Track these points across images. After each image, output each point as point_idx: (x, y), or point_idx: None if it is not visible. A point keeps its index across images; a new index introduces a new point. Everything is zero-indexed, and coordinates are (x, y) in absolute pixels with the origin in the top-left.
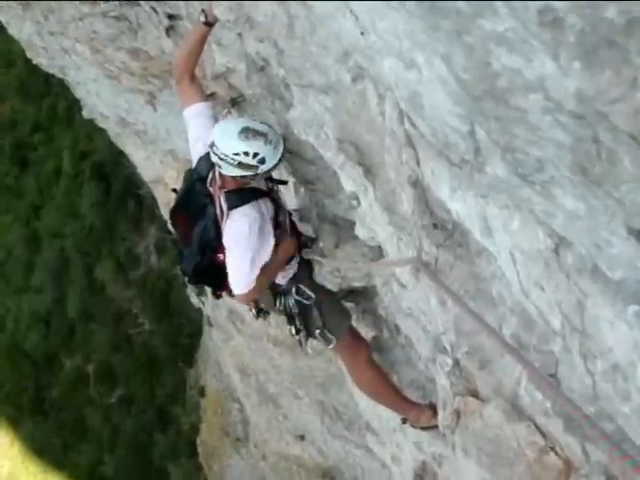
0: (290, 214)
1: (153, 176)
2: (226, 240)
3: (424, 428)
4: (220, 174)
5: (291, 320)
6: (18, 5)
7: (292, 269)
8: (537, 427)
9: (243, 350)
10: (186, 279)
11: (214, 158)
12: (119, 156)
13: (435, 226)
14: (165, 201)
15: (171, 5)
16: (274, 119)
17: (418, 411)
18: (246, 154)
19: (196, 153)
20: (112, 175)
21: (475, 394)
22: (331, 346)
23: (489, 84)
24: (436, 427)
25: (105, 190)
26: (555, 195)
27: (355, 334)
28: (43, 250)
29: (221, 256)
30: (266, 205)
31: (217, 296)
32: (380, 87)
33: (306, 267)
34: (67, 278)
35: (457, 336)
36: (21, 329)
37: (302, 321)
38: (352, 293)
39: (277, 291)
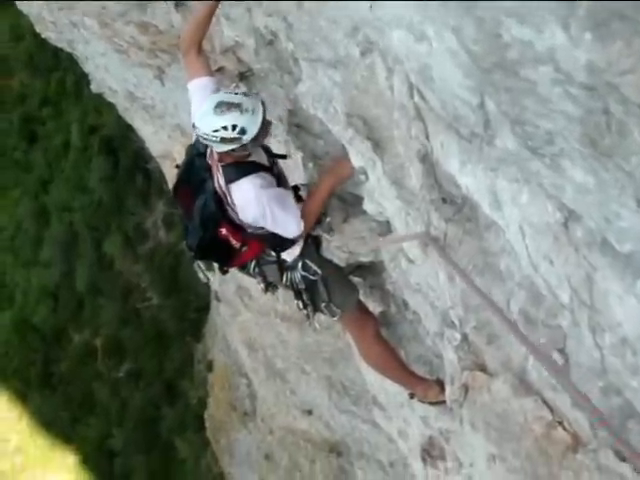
0: (298, 189)
1: (161, 151)
2: (250, 214)
3: (432, 403)
4: None
5: (298, 295)
6: None
7: (298, 246)
8: (545, 402)
9: (251, 325)
10: (192, 255)
11: (200, 139)
12: (127, 130)
13: (444, 200)
14: (173, 176)
15: None
16: (283, 93)
17: (425, 386)
18: (225, 128)
19: None
20: (120, 149)
21: (483, 369)
22: (336, 318)
23: (499, 56)
24: (443, 402)
25: (113, 164)
26: (564, 168)
27: (363, 308)
28: (52, 224)
29: (223, 230)
30: (266, 179)
31: (224, 272)
32: (389, 61)
33: (313, 243)
34: (76, 252)
35: (465, 311)
36: (30, 303)
37: (309, 296)
38: (360, 268)
39: (283, 267)
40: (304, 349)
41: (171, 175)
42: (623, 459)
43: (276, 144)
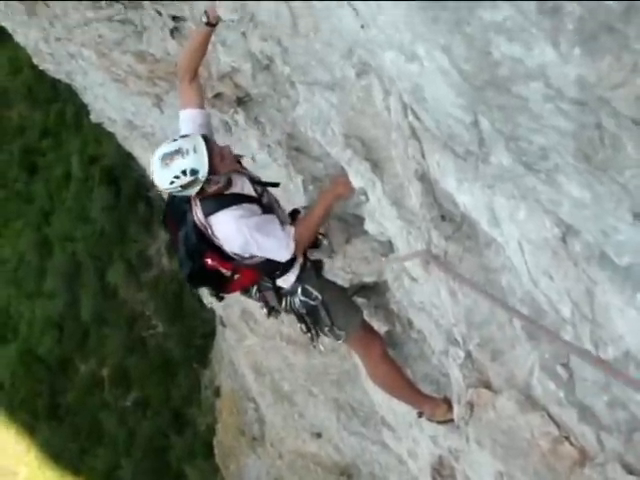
0: (297, 212)
1: None
2: (235, 245)
3: (440, 422)
4: None
5: (300, 319)
6: (24, 12)
7: (294, 272)
8: (551, 417)
9: (257, 349)
10: (188, 284)
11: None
12: (128, 159)
13: (443, 218)
14: None
15: (175, 7)
16: (281, 117)
17: (433, 405)
18: (177, 177)
19: None
20: (121, 178)
21: (488, 385)
22: (340, 341)
23: (490, 73)
24: (452, 421)
25: (115, 193)
26: (560, 183)
27: (368, 328)
28: (54, 255)
29: (209, 260)
30: (246, 209)
31: (220, 298)
32: (385, 82)
33: (312, 266)
34: (79, 282)
35: (468, 328)
36: (35, 334)
37: (311, 320)
38: (364, 288)
39: (281, 293)
40: (311, 371)
41: None
42: (631, 472)
43: (276, 168)
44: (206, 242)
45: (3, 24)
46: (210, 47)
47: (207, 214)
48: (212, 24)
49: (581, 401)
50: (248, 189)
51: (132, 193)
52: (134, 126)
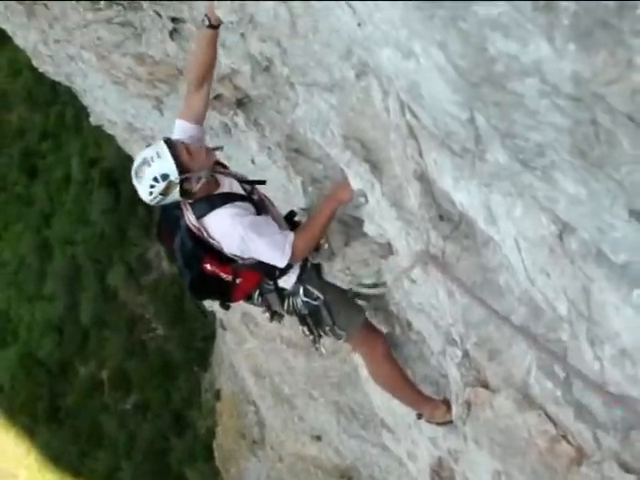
0: (294, 214)
1: None
2: (233, 244)
3: (439, 424)
4: None
5: (302, 320)
6: (23, 14)
7: (294, 273)
8: (548, 416)
9: (257, 352)
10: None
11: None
12: (128, 162)
13: (441, 218)
14: None
15: (174, 8)
16: (280, 119)
17: (432, 406)
18: (152, 186)
19: None
20: (121, 181)
21: (485, 385)
22: (341, 340)
23: (486, 70)
24: (451, 422)
25: (115, 196)
26: (556, 180)
27: (371, 328)
28: (54, 258)
29: (208, 266)
30: (241, 207)
31: (225, 307)
32: (384, 82)
33: (313, 267)
34: (79, 285)
35: (466, 327)
36: (35, 337)
37: (313, 321)
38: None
39: (283, 294)
40: (311, 374)
41: None
42: (627, 470)
43: (276, 169)
44: (202, 246)
45: (2, 26)
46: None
47: (200, 216)
48: (214, 26)
49: (578, 400)
50: (237, 188)
51: (132, 196)
52: (134, 128)
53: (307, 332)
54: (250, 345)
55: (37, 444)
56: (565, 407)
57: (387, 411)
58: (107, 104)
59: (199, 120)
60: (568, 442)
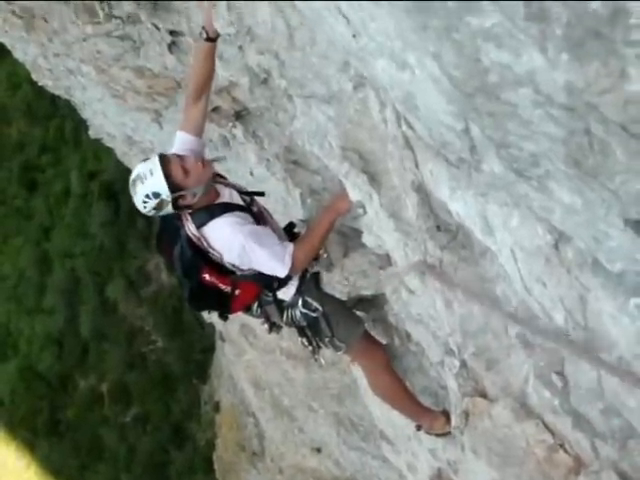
0: (293, 226)
1: None
2: (233, 253)
3: (438, 435)
4: None
5: (301, 332)
6: (22, 28)
7: (293, 284)
8: (545, 425)
9: (256, 364)
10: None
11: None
12: (127, 174)
13: (438, 228)
14: None
15: (173, 21)
16: (278, 131)
17: (432, 417)
18: (145, 202)
19: None
20: (121, 194)
21: (483, 394)
22: (340, 352)
23: (480, 80)
24: (450, 433)
25: (114, 209)
26: (551, 189)
27: (370, 339)
28: (54, 271)
29: (207, 276)
30: (241, 217)
31: (224, 318)
32: (381, 94)
33: (312, 278)
34: (79, 298)
35: (463, 337)
36: (34, 351)
37: (312, 332)
38: (362, 301)
39: (282, 306)
40: (311, 386)
41: None
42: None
43: (274, 181)
44: (202, 256)
45: (2, 40)
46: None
47: (199, 225)
48: (212, 39)
49: (576, 409)
50: (237, 198)
51: (131, 209)
52: (133, 141)
53: (306, 343)
54: (249, 357)
55: (37, 457)
56: (563, 416)
57: (387, 423)
58: (106, 117)
59: (198, 132)
60: (566, 451)
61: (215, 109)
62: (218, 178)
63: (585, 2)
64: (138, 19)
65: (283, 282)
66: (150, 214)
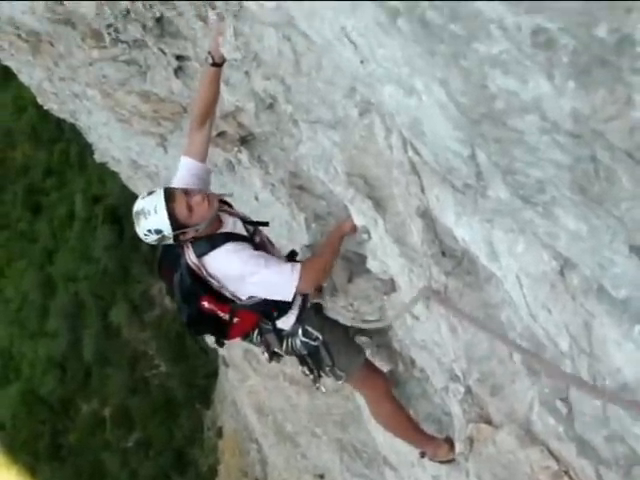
0: (295, 254)
1: None
2: (232, 281)
3: (442, 462)
4: None
5: (302, 361)
6: (28, 51)
7: (293, 313)
8: (550, 452)
9: (259, 390)
10: (189, 332)
11: None
12: (132, 199)
13: (443, 254)
14: None
15: (179, 46)
16: (284, 156)
17: (435, 445)
18: (146, 235)
19: None
20: (125, 218)
21: (488, 420)
22: (341, 382)
23: (486, 107)
24: (454, 461)
25: (118, 233)
26: (557, 216)
27: (372, 367)
28: (57, 294)
29: (205, 304)
30: (241, 245)
31: (220, 344)
32: (387, 120)
33: (313, 307)
34: (82, 322)
35: (468, 363)
36: (37, 374)
37: (313, 361)
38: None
39: (282, 335)
40: (314, 412)
41: None
42: None
43: (279, 206)
44: (201, 284)
45: (8, 63)
46: (221, 88)
47: (200, 255)
48: (217, 64)
49: (580, 435)
50: (239, 229)
51: (135, 233)
52: (138, 166)
53: (307, 372)
54: (253, 382)
55: None
56: (567, 443)
57: (390, 449)
58: (111, 141)
59: (202, 157)
60: (570, 478)
61: (220, 134)
62: (223, 206)
63: (592, 30)
64: (144, 44)
65: (283, 311)
66: (151, 244)
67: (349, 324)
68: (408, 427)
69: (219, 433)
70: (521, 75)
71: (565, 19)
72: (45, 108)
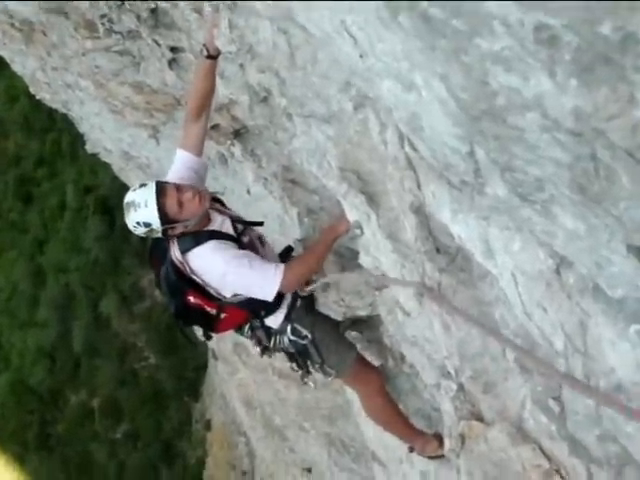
0: (291, 250)
1: None
2: (213, 279)
3: (431, 457)
4: None
5: (291, 357)
6: (21, 41)
7: (282, 312)
8: (542, 450)
9: (248, 383)
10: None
11: None
12: (123, 190)
13: (437, 251)
14: None
15: (173, 38)
16: (277, 150)
17: (424, 440)
18: (135, 227)
19: None
20: (116, 209)
21: (479, 418)
22: (330, 379)
23: (487, 103)
24: (442, 456)
25: (109, 224)
26: (555, 214)
27: (364, 363)
28: (48, 285)
29: (191, 299)
30: (225, 244)
31: (207, 337)
32: (382, 115)
33: (303, 303)
34: (72, 313)
35: (461, 360)
36: (26, 365)
37: (301, 358)
38: (357, 322)
39: (271, 332)
40: (302, 406)
41: None
42: None
43: (272, 200)
44: (185, 280)
45: (0, 53)
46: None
47: (184, 251)
48: (213, 56)
49: (572, 434)
50: (227, 227)
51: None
52: (130, 157)
53: (295, 368)
54: (242, 375)
55: (27, 472)
56: (559, 442)
57: (379, 444)
58: (103, 132)
59: (198, 150)
60: (562, 477)
61: (214, 127)
62: (215, 204)
63: (595, 27)
64: (138, 35)
65: (270, 309)
66: (141, 236)
67: (340, 319)
68: (398, 422)
69: (207, 426)
70: (523, 72)
71: (569, 16)
72: (37, 98)
